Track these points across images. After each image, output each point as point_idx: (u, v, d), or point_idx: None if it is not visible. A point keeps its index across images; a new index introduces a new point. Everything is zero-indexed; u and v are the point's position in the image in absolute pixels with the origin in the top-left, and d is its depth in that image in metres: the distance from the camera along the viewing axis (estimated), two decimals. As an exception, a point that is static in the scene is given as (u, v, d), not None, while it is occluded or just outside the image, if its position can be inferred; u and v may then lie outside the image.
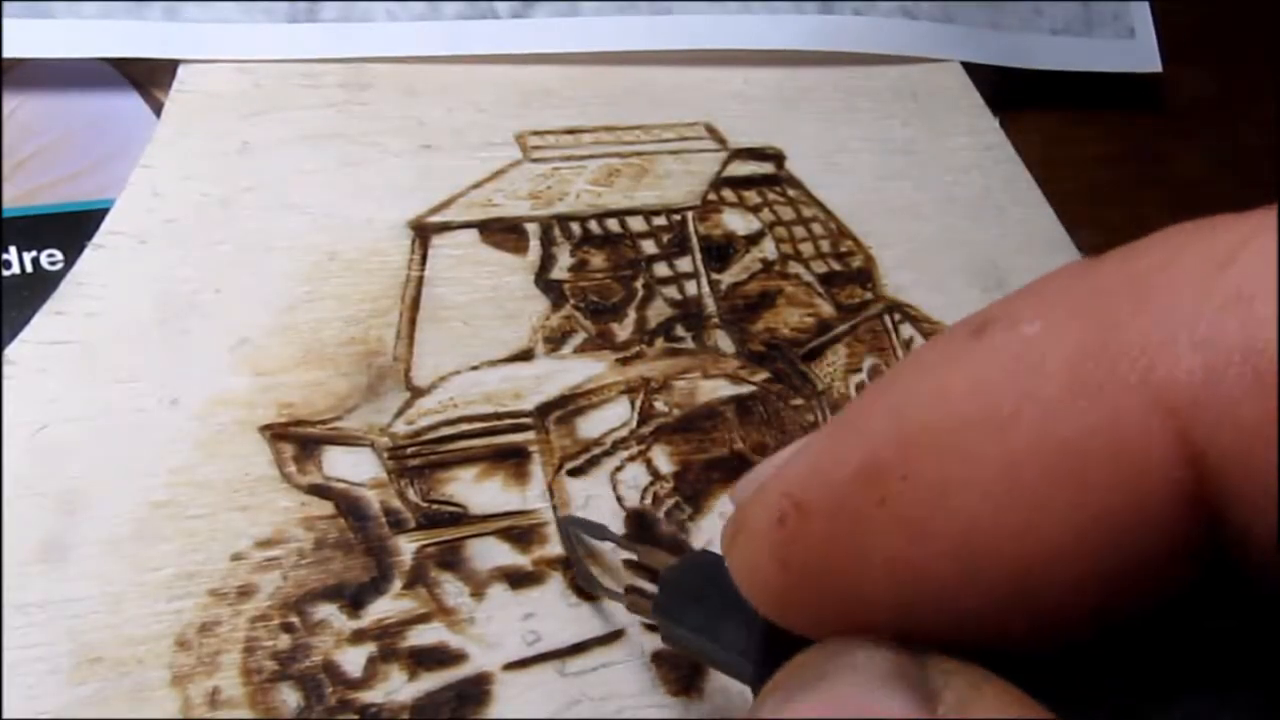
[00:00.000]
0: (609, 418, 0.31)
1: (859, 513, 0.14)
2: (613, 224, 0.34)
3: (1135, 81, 0.44)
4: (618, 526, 0.29)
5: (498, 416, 0.30)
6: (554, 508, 0.29)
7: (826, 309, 0.35)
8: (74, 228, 0.29)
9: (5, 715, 0.24)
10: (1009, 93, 0.41)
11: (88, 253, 0.29)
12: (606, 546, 0.28)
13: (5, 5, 0.30)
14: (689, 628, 0.22)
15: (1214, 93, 0.46)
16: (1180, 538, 0.13)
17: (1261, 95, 0.46)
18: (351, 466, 0.28)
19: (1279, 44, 0.47)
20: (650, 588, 0.24)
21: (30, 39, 0.30)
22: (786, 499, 0.15)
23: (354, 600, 0.27)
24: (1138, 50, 0.44)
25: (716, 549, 0.21)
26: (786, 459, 0.16)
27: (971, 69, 0.41)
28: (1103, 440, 0.12)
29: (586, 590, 0.28)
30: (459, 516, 0.28)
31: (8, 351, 0.27)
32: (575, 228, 0.33)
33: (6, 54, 0.30)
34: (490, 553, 0.28)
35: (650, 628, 0.29)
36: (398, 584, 0.27)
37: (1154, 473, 0.12)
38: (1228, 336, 0.12)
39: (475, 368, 0.30)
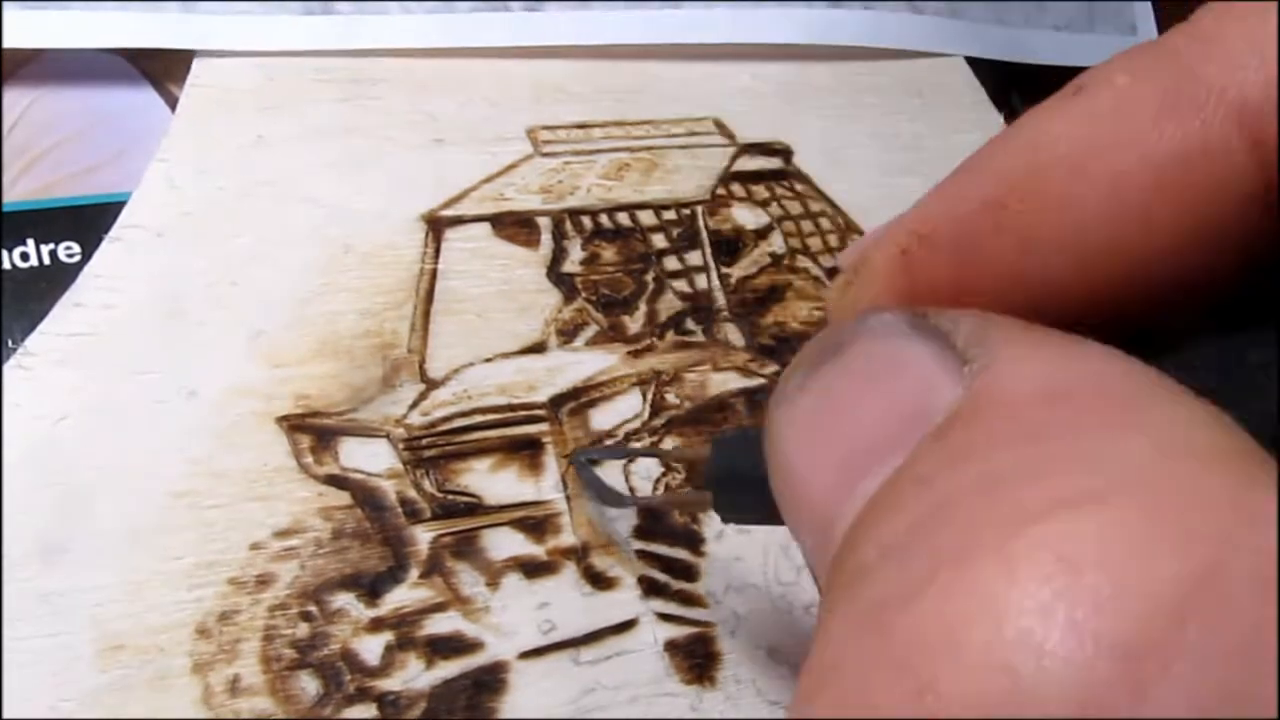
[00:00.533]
0: (621, 409, 0.31)
1: (979, 234, 0.16)
2: (623, 218, 0.34)
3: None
4: (631, 517, 0.30)
5: (511, 408, 0.30)
6: (568, 498, 0.29)
7: (834, 302, 0.35)
8: (91, 221, 0.30)
9: (31, 702, 0.24)
10: (1013, 88, 0.42)
11: (105, 245, 0.29)
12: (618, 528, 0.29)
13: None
14: (756, 512, 0.22)
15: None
16: (1256, 229, 0.15)
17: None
18: (368, 457, 0.28)
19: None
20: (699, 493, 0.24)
21: (45, 29, 0.30)
22: (910, 234, 0.16)
23: (371, 589, 0.27)
24: (1139, 47, 0.44)
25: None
26: (895, 219, 0.17)
27: (976, 64, 0.41)
28: (1191, 151, 0.15)
29: (612, 504, 0.28)
30: (474, 507, 0.29)
31: (27, 343, 0.27)
32: (586, 222, 0.33)
33: (22, 44, 0.30)
34: (505, 543, 0.29)
35: (664, 616, 0.29)
36: (414, 573, 0.28)
37: (1235, 175, 0.15)
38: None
39: (489, 360, 0.31)
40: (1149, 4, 0.45)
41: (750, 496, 0.21)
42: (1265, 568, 0.10)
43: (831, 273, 0.19)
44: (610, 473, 0.30)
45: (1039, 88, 0.42)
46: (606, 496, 0.28)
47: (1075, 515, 0.11)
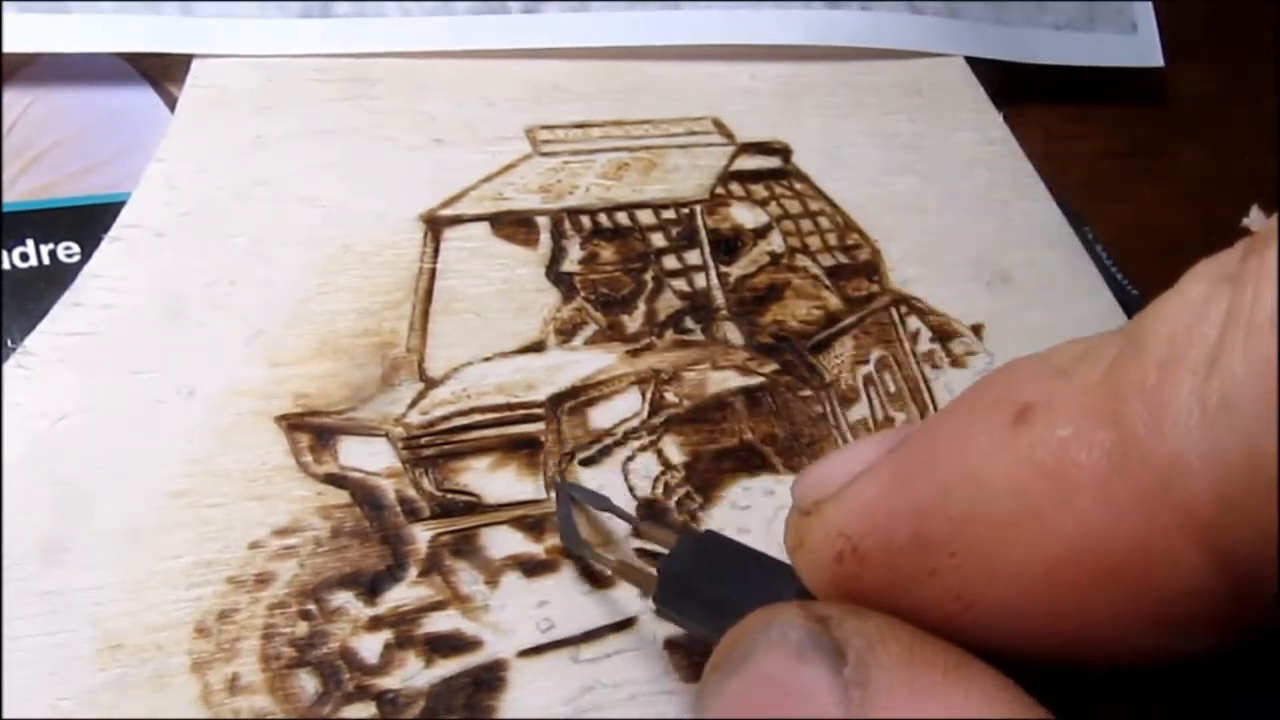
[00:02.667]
0: (620, 408, 0.31)
1: (912, 575, 0.16)
2: (622, 217, 0.34)
3: (1137, 77, 0.44)
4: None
5: (510, 407, 0.30)
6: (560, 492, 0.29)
7: (834, 301, 0.35)
8: (90, 221, 0.30)
9: (30, 701, 0.24)
10: (1012, 87, 0.42)
11: (104, 245, 0.29)
12: (612, 524, 0.29)
13: (21, 1, 0.30)
14: (689, 617, 0.23)
15: (1215, 88, 0.47)
16: (1207, 616, 0.14)
17: (1263, 91, 0.47)
18: (367, 456, 0.28)
19: None
20: (649, 570, 0.24)
21: (44, 33, 0.30)
22: (844, 540, 0.17)
23: (370, 588, 0.27)
24: (1140, 45, 0.44)
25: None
26: (841, 478, 0.17)
27: (975, 64, 0.41)
28: (1133, 552, 0.14)
29: (573, 552, 0.28)
30: (473, 505, 0.29)
31: (27, 343, 0.27)
32: (585, 221, 0.33)
33: (21, 48, 0.30)
34: (504, 541, 0.29)
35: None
36: (413, 572, 0.28)
37: (1183, 575, 0.14)
38: (1228, 450, 0.13)
39: (488, 359, 0.31)
40: (1149, 3, 0.45)
41: (692, 607, 0.22)
42: None
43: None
44: (609, 474, 0.30)
45: (1038, 87, 0.42)
46: (568, 534, 0.28)
47: None
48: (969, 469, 0.15)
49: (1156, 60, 0.44)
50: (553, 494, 0.29)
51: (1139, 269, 0.40)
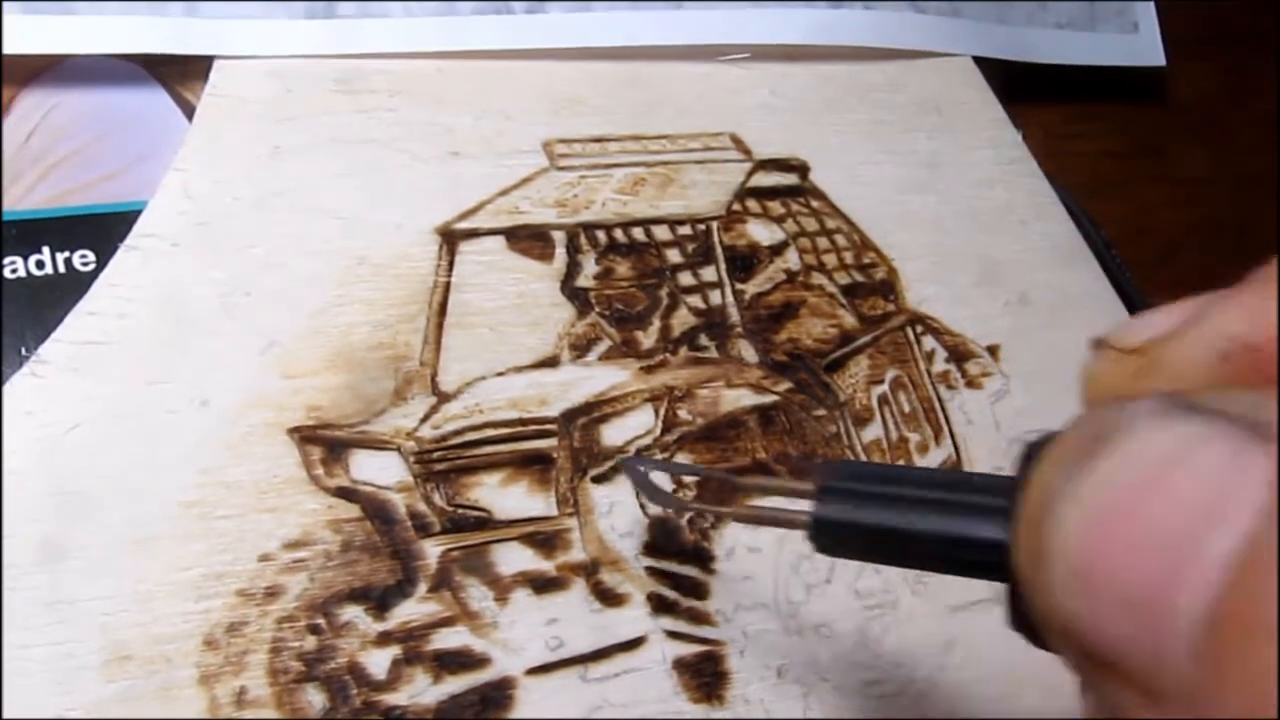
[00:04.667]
0: (633, 425, 0.31)
1: None
2: (638, 233, 0.34)
3: (1139, 76, 0.44)
4: (640, 534, 0.30)
5: (523, 423, 0.30)
6: (577, 514, 0.29)
7: (849, 320, 0.35)
8: (107, 229, 0.30)
9: (37, 712, 0.24)
10: (1014, 87, 0.41)
11: (120, 254, 0.29)
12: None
13: (28, 3, 0.30)
14: (853, 549, 0.21)
15: (1216, 88, 0.47)
16: None
17: (1264, 90, 0.47)
18: (378, 470, 0.28)
19: (1280, 39, 0.48)
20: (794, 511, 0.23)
21: (51, 34, 0.30)
22: (1233, 340, 0.16)
23: (380, 603, 0.27)
24: (1141, 45, 0.44)
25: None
26: (1163, 326, 0.17)
27: (982, 64, 0.41)
28: None
29: (662, 505, 0.28)
30: (484, 521, 0.29)
31: (41, 351, 0.27)
32: (601, 236, 0.33)
33: (28, 49, 0.30)
34: (514, 558, 0.29)
35: (673, 634, 0.29)
36: (423, 587, 0.28)
37: None
38: None
39: (501, 374, 0.30)
40: (1150, 3, 0.45)
41: (861, 542, 0.20)
42: None
43: (1097, 344, 0.18)
44: (621, 491, 0.30)
45: (1040, 87, 0.42)
46: (658, 496, 0.27)
47: None
48: None
49: (1158, 60, 0.44)
50: (563, 509, 0.29)
51: (1139, 269, 0.40)
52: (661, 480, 0.29)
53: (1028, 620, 0.17)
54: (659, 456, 0.31)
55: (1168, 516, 0.14)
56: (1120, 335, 0.18)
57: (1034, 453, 0.18)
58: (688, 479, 0.30)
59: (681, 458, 0.31)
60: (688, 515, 0.30)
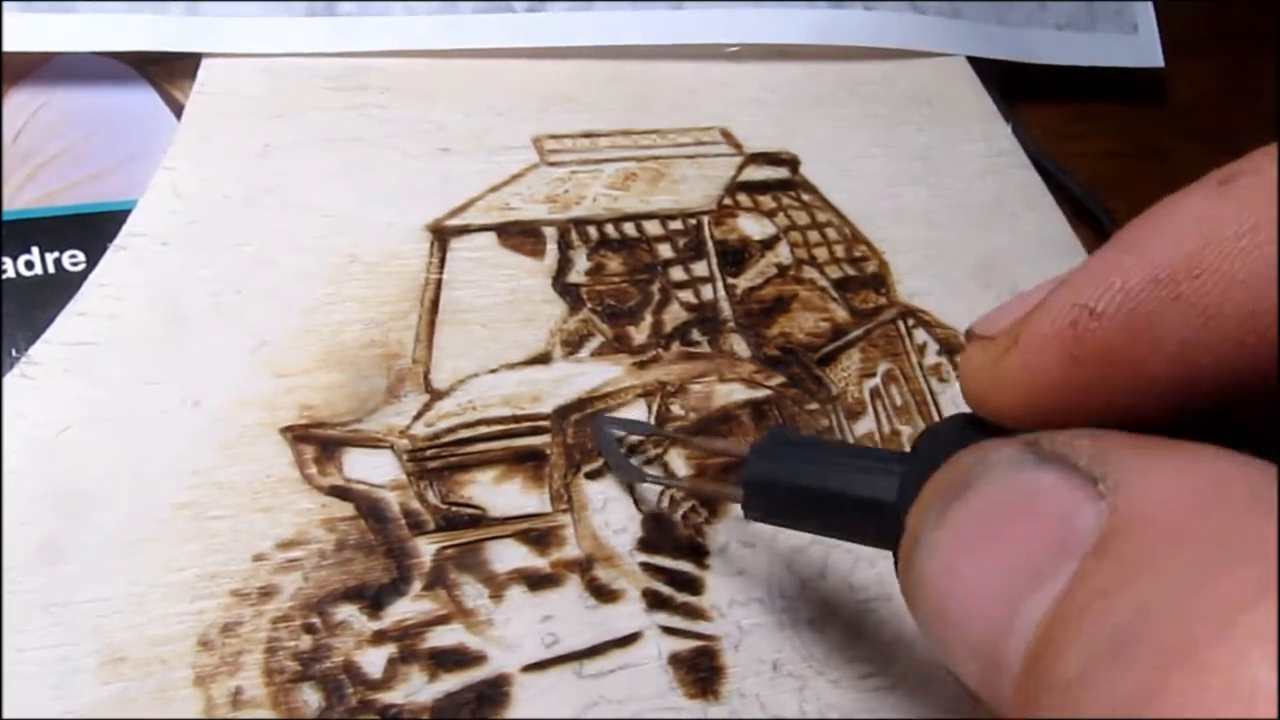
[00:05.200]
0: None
1: (1153, 308, 0.16)
2: (629, 228, 0.34)
3: (1138, 76, 0.44)
4: (635, 530, 0.30)
5: (516, 419, 0.30)
6: (571, 510, 0.29)
7: (841, 314, 0.35)
8: (96, 229, 0.29)
9: (32, 714, 0.24)
10: (1013, 87, 0.42)
11: (110, 254, 0.29)
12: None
13: (27, 1, 0.30)
14: (785, 517, 0.23)
15: (1215, 88, 0.47)
16: None
17: (1264, 90, 0.47)
18: (372, 468, 0.28)
19: (1281, 40, 0.48)
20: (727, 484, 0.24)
21: (48, 32, 0.30)
22: (1078, 309, 0.17)
23: (374, 601, 0.27)
24: (1140, 45, 0.44)
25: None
26: (1021, 311, 0.18)
27: (976, 64, 0.41)
28: None
29: (626, 479, 0.29)
30: (478, 519, 0.29)
31: (31, 352, 0.27)
32: (592, 232, 0.33)
33: (23, 47, 0.30)
34: (509, 555, 0.29)
35: (668, 630, 0.29)
36: (418, 585, 0.27)
37: None
38: None
39: (494, 370, 0.30)
40: (1149, 4, 0.45)
41: (783, 502, 0.22)
42: None
43: (967, 335, 0.19)
44: (615, 487, 0.30)
45: (1039, 87, 0.42)
46: (621, 467, 0.28)
47: (1272, 598, 0.12)
48: (1187, 216, 0.16)
49: (1157, 60, 0.44)
50: (557, 506, 0.29)
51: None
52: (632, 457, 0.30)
53: None
54: (652, 452, 0.31)
55: (1002, 571, 0.15)
56: (985, 323, 0.19)
57: (925, 437, 0.20)
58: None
59: (675, 452, 0.31)
60: (681, 512, 0.30)
